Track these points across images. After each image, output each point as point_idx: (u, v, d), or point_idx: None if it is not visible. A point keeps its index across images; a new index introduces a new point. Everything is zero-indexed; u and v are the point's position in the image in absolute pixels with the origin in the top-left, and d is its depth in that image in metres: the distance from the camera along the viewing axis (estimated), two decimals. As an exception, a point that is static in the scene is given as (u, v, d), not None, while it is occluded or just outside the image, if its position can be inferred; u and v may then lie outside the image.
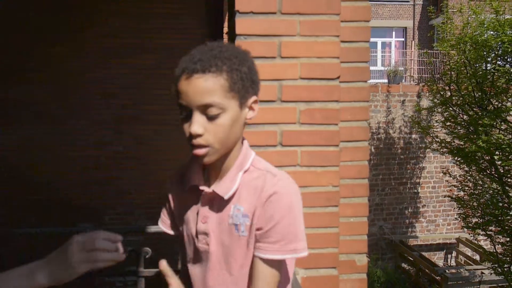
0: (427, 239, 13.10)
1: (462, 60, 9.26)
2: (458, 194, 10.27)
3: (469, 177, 9.66)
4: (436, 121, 10.90)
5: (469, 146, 8.67)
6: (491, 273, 9.84)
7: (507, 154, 8.16)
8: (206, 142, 1.08)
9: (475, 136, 8.63)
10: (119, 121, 5.91)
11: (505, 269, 8.60)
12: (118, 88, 5.86)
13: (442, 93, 9.91)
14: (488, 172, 8.90)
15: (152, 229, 3.17)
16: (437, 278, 10.95)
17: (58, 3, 5.66)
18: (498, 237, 8.91)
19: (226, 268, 1.18)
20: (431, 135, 10.58)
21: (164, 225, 1.34)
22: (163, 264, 1.09)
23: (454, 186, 10.30)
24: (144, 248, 2.90)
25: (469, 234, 11.00)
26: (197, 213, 1.20)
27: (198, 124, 1.06)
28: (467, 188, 9.66)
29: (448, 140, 9.81)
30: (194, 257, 1.23)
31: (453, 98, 9.55)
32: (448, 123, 9.71)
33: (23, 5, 5.64)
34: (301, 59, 1.81)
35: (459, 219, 10.31)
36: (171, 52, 5.70)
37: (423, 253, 12.33)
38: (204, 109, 1.06)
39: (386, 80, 16.09)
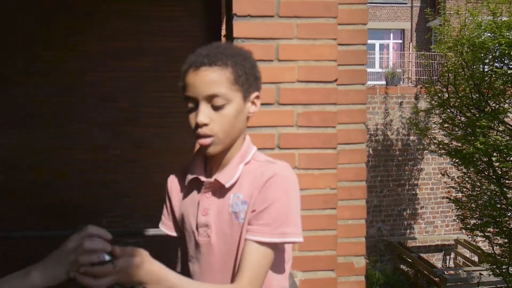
0: (425, 240, 13.11)
1: (459, 62, 9.29)
2: (456, 196, 10.29)
3: (467, 179, 9.68)
4: (434, 122, 10.93)
5: (467, 147, 8.69)
6: (489, 274, 9.84)
7: (504, 155, 8.18)
8: (211, 132, 1.13)
9: (473, 137, 8.64)
10: (117, 123, 5.89)
11: (504, 270, 8.62)
12: (116, 90, 5.85)
13: (439, 95, 9.93)
14: (486, 173, 8.92)
15: (151, 231, 3.17)
16: (436, 279, 10.96)
17: (57, 4, 5.66)
18: (496, 238, 8.92)
19: (227, 258, 1.19)
20: (429, 136, 10.60)
21: (165, 226, 1.35)
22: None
23: (452, 187, 10.31)
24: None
25: (468, 235, 11.01)
26: (198, 207, 1.22)
27: (204, 114, 1.12)
28: (465, 189, 9.67)
29: (446, 141, 9.82)
30: (195, 254, 1.24)
31: (451, 100, 9.58)
32: (446, 125, 9.73)
33: (21, 7, 5.64)
34: (299, 62, 1.82)
35: (457, 220, 10.32)
36: (169, 55, 5.70)
37: (422, 255, 12.34)
38: (210, 99, 1.12)
39: (384, 82, 16.11)
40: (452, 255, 13.28)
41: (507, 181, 8.67)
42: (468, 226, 9.28)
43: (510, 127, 8.59)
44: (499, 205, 8.65)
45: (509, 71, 8.42)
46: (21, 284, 1.01)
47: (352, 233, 2.02)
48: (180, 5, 5.80)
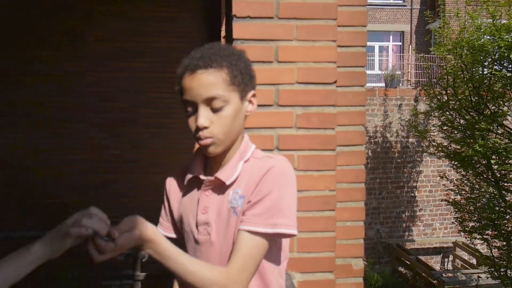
0: (424, 243, 13.11)
1: (458, 65, 9.29)
2: (455, 198, 10.28)
3: (465, 181, 9.68)
4: (433, 125, 10.93)
5: (466, 150, 8.69)
6: (487, 277, 9.85)
7: (503, 158, 8.18)
8: (212, 134, 1.14)
9: (471, 140, 8.65)
10: (116, 124, 5.89)
11: (502, 273, 8.61)
12: (116, 90, 5.85)
13: (439, 97, 9.93)
14: (485, 176, 8.92)
15: (149, 232, 3.16)
16: (434, 282, 10.95)
17: (56, 5, 5.66)
18: (494, 241, 8.92)
19: (227, 255, 1.19)
20: (428, 139, 10.60)
21: (163, 228, 1.35)
22: None
23: (451, 190, 10.31)
24: (141, 252, 2.89)
25: (466, 238, 11.00)
26: (197, 205, 1.23)
27: (204, 117, 1.13)
28: (464, 192, 9.67)
29: (445, 144, 9.83)
30: (194, 253, 1.24)
31: (450, 102, 9.58)
32: (445, 127, 9.73)
33: (20, 8, 5.64)
34: (298, 63, 1.82)
35: (456, 223, 10.32)
36: (169, 56, 5.70)
37: (420, 257, 12.34)
38: (209, 102, 1.13)
39: (383, 84, 16.13)
40: (451, 257, 13.27)
41: (505, 184, 8.67)
42: (466, 228, 9.28)
43: (509, 130, 8.59)
44: (497, 208, 8.64)
45: (508, 74, 8.42)
46: (24, 259, 1.05)
47: (351, 235, 2.02)
48: (179, 6, 5.81)
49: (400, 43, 23.68)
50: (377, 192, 12.62)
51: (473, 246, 11.44)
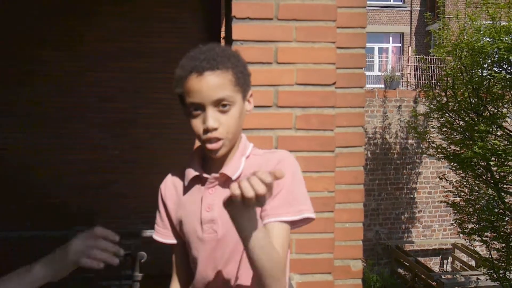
0: (423, 244, 13.11)
1: (458, 66, 9.30)
2: (454, 200, 10.28)
3: (465, 183, 9.68)
4: (432, 126, 10.92)
5: (465, 152, 8.69)
6: (486, 279, 9.83)
7: (502, 160, 8.18)
8: (221, 135, 1.15)
9: (471, 142, 8.65)
10: (116, 124, 5.89)
11: (501, 275, 8.62)
12: (115, 91, 5.85)
13: (438, 99, 9.94)
14: (484, 178, 8.92)
15: (148, 233, 3.17)
16: (433, 283, 10.95)
17: (56, 5, 5.66)
18: (493, 243, 8.92)
19: (235, 252, 1.20)
20: (428, 140, 10.61)
21: (160, 235, 1.35)
22: None
23: (450, 191, 10.32)
24: (140, 253, 2.90)
25: (465, 239, 11.00)
26: (201, 204, 1.23)
27: (213, 119, 1.14)
28: (463, 193, 9.68)
29: (444, 145, 9.83)
30: (197, 253, 1.24)
31: (449, 104, 9.58)
32: (444, 129, 9.73)
33: (20, 8, 5.64)
34: (297, 65, 1.82)
35: (455, 224, 10.32)
36: (169, 56, 5.70)
37: (419, 259, 12.33)
38: (217, 103, 1.14)
39: (382, 85, 16.12)
40: (450, 259, 13.27)
41: (504, 186, 8.68)
42: (465, 230, 9.28)
43: (508, 132, 8.60)
44: (496, 210, 8.65)
45: (507, 76, 8.42)
46: (24, 280, 1.03)
47: (350, 236, 2.02)
48: (179, 7, 5.81)
49: (400, 45, 23.69)
50: (376, 193, 12.62)
51: (472, 248, 11.46)
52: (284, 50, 1.81)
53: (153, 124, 5.90)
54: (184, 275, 1.34)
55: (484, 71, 9.04)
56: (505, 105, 8.74)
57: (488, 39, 8.69)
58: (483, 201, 9.13)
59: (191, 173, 1.25)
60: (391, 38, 23.79)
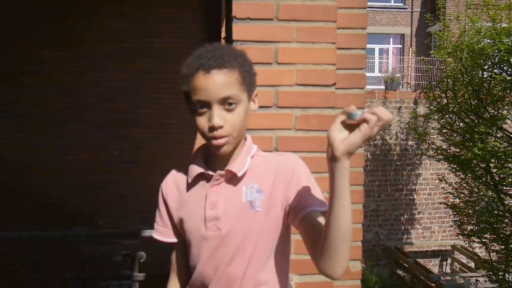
0: (422, 245, 13.10)
1: (458, 68, 9.30)
2: (453, 201, 10.29)
3: (464, 185, 9.68)
4: (432, 128, 10.93)
5: (465, 153, 8.69)
6: (486, 281, 9.84)
7: (502, 162, 8.18)
8: (226, 133, 1.16)
9: (471, 143, 8.65)
10: (115, 124, 5.89)
11: (500, 276, 8.61)
12: (115, 91, 5.85)
13: (438, 100, 9.94)
14: (484, 179, 8.92)
15: (147, 233, 3.16)
16: (432, 285, 10.96)
17: (56, 6, 5.66)
18: (493, 245, 8.92)
19: (241, 251, 1.20)
20: (427, 142, 10.61)
21: (159, 234, 1.34)
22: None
23: (450, 193, 10.32)
24: (139, 253, 2.90)
25: (464, 241, 11.01)
26: (205, 202, 1.23)
27: (219, 117, 1.14)
28: (462, 195, 9.68)
29: (444, 147, 9.83)
30: (200, 251, 1.24)
31: (450, 105, 9.59)
32: (444, 130, 9.74)
33: (20, 8, 5.64)
34: (297, 65, 1.82)
35: (454, 226, 10.32)
36: (169, 56, 5.71)
37: (419, 260, 12.33)
38: (223, 101, 1.15)
39: (383, 87, 16.13)
40: (449, 260, 13.27)
41: (504, 188, 8.68)
42: (465, 232, 9.28)
43: (508, 134, 8.60)
44: (496, 212, 8.65)
45: (508, 78, 8.42)
46: None
47: (349, 237, 2.01)
48: (180, 7, 5.81)
49: (400, 46, 23.71)
50: (376, 194, 12.62)
51: (471, 249, 11.46)
52: (284, 51, 1.81)
53: (153, 124, 5.90)
54: (183, 274, 1.34)
55: (484, 72, 9.05)
56: (505, 107, 8.75)
57: (488, 40, 8.69)
58: (482, 203, 9.13)
59: (195, 170, 1.25)
60: (391, 39, 23.80)
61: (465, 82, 9.11)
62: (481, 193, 9.25)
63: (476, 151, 8.12)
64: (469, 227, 9.27)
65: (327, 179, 1.84)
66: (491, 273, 8.82)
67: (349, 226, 1.10)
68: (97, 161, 5.90)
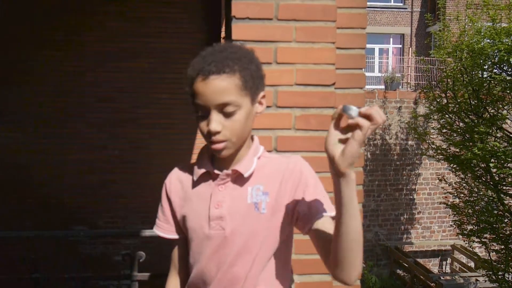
0: (422, 245, 13.10)
1: (458, 68, 9.30)
2: (453, 201, 10.28)
3: (464, 184, 9.68)
4: (432, 128, 10.92)
5: (465, 153, 8.69)
6: (485, 281, 9.84)
7: (502, 161, 8.18)
8: (225, 138, 1.15)
9: (471, 143, 8.65)
10: (115, 124, 5.90)
11: (500, 276, 8.61)
12: (114, 91, 5.85)
13: (438, 100, 9.94)
14: (484, 179, 8.92)
15: (147, 233, 3.16)
16: (432, 285, 10.95)
17: (56, 6, 5.66)
18: (493, 245, 8.91)
19: (244, 252, 1.19)
20: (427, 141, 10.60)
21: (161, 230, 1.34)
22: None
23: (450, 193, 10.31)
24: (139, 252, 2.89)
25: (464, 241, 11.00)
26: (210, 200, 1.22)
27: (216, 122, 1.13)
28: (462, 195, 9.67)
29: (444, 147, 9.83)
30: (203, 249, 1.23)
31: (450, 105, 9.58)
32: (444, 130, 9.73)
33: (20, 8, 5.64)
34: (297, 65, 1.82)
35: (454, 226, 10.32)
36: (168, 56, 5.71)
37: (418, 260, 12.33)
38: (221, 107, 1.13)
39: (383, 86, 16.14)
40: (449, 260, 13.27)
41: (504, 187, 8.67)
42: (464, 232, 9.28)
43: (508, 134, 8.60)
44: (496, 211, 8.65)
45: (508, 78, 8.42)
46: None
47: (348, 237, 2.01)
48: (179, 7, 5.81)
49: (400, 46, 23.71)
50: (376, 194, 12.62)
51: (471, 249, 11.45)
52: (283, 50, 1.81)
53: (153, 124, 5.91)
54: (184, 271, 1.33)
55: (484, 72, 9.04)
56: (505, 107, 8.74)
57: (488, 40, 8.69)
58: (482, 203, 9.12)
59: (201, 168, 1.25)
60: (391, 39, 23.81)
61: (465, 82, 9.11)
62: (481, 193, 9.25)
63: (476, 151, 8.12)
64: (469, 227, 9.26)
65: (328, 179, 1.84)
66: (491, 273, 8.82)
67: (360, 234, 1.08)
68: (97, 161, 5.91)
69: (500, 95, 8.66)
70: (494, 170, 8.48)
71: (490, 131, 8.49)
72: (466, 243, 11.19)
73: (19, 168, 5.77)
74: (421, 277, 11.38)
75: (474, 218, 9.07)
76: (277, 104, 1.82)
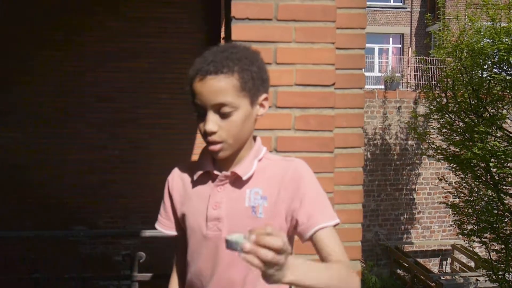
0: (422, 245, 13.10)
1: (458, 67, 9.30)
2: (453, 201, 10.28)
3: (464, 184, 9.68)
4: (432, 127, 10.92)
5: (465, 153, 8.69)
6: (486, 280, 9.84)
7: (502, 161, 8.18)
8: (220, 138, 1.14)
9: (470, 143, 8.65)
10: (115, 124, 5.89)
11: (500, 276, 8.61)
12: (114, 91, 5.85)
13: (438, 100, 9.93)
14: (484, 179, 8.92)
15: (147, 233, 3.16)
16: (432, 284, 10.95)
17: (56, 6, 5.66)
18: (493, 244, 8.92)
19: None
20: (427, 141, 10.60)
21: (161, 226, 1.35)
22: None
23: (450, 192, 10.32)
24: (139, 253, 2.89)
25: (464, 241, 11.00)
26: (208, 201, 1.22)
27: (212, 123, 1.13)
28: (462, 194, 9.68)
29: (444, 146, 9.83)
30: (200, 249, 1.23)
31: (449, 105, 9.58)
32: (444, 130, 9.73)
33: (20, 8, 5.64)
34: (297, 65, 1.82)
35: (454, 225, 10.32)
36: (168, 56, 5.71)
37: (418, 260, 12.33)
38: (218, 108, 1.13)
39: (383, 86, 16.12)
40: (449, 260, 13.27)
41: (504, 187, 8.68)
42: (465, 231, 9.28)
43: (508, 133, 8.60)
44: (496, 211, 8.65)
45: (507, 77, 8.43)
46: None
47: (348, 237, 2.01)
48: (179, 7, 5.81)
49: (400, 46, 23.71)
50: (376, 194, 12.62)
51: (471, 249, 11.44)
52: (283, 51, 1.81)
53: (153, 124, 5.91)
54: (185, 270, 1.33)
55: (484, 72, 9.05)
56: (505, 107, 8.75)
57: (488, 40, 8.69)
58: (482, 202, 9.13)
59: (202, 168, 1.25)
60: (391, 39, 23.80)
61: (464, 81, 9.10)
62: (481, 193, 9.25)
63: (476, 150, 8.12)
64: (469, 227, 9.27)
65: (327, 179, 1.85)
66: (491, 272, 8.82)
67: (336, 279, 1.04)
68: (97, 161, 5.91)
69: (500, 94, 8.66)
70: (494, 169, 8.48)
71: (490, 130, 8.49)
72: (466, 243, 11.18)
73: (19, 168, 5.76)
74: (421, 277, 11.38)
75: (474, 218, 9.08)
76: (277, 104, 1.82)
